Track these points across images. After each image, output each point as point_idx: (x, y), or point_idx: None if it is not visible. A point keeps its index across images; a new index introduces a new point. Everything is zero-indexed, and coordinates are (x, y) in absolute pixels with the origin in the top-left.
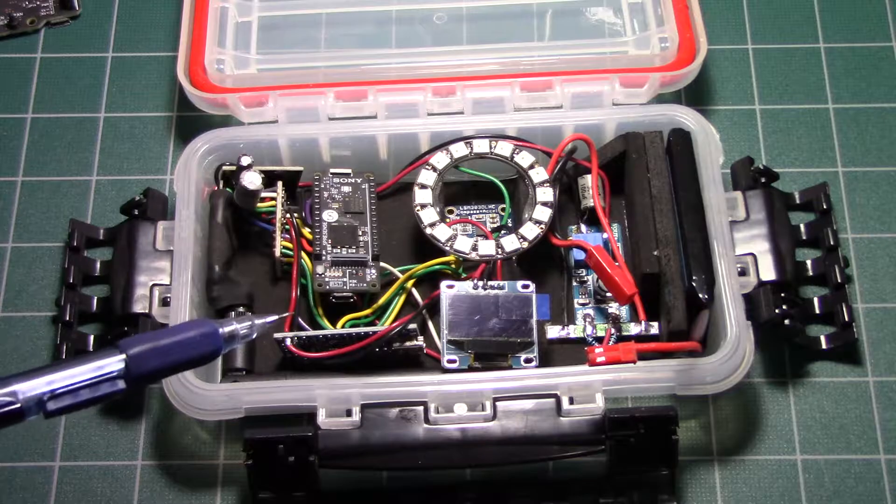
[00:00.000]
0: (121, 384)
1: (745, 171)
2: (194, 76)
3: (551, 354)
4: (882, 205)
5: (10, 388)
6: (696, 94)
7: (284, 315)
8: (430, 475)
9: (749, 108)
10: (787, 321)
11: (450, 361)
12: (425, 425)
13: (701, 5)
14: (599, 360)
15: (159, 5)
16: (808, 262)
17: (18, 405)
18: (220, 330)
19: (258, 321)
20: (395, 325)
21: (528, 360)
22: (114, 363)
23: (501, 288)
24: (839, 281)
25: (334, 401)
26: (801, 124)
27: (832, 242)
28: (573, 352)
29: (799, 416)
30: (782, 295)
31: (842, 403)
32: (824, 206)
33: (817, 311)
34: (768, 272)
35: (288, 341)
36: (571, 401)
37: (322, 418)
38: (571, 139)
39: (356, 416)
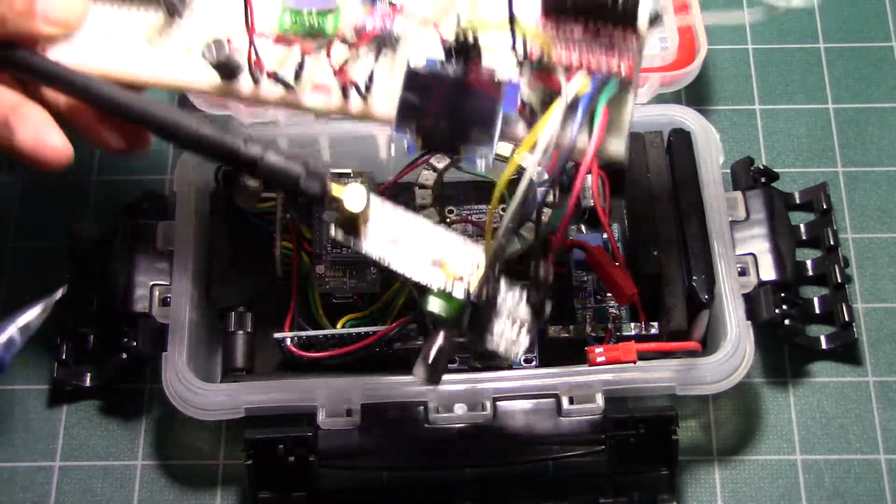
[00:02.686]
0: None
1: (745, 171)
2: None
3: (551, 354)
4: (882, 205)
5: None
6: (696, 94)
7: (58, 293)
8: (429, 475)
9: (749, 108)
10: (787, 321)
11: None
12: (425, 425)
13: (701, 5)
14: (599, 359)
15: None
16: (808, 262)
17: None
18: None
19: (30, 313)
20: (394, 325)
21: (527, 361)
22: None
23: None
24: (839, 281)
25: (334, 401)
26: (801, 124)
27: (832, 242)
28: (573, 352)
29: (799, 416)
30: (782, 295)
31: (842, 403)
32: (824, 206)
33: (817, 311)
34: (768, 272)
35: (288, 341)
36: (571, 401)
37: (322, 418)
38: None
39: (356, 416)
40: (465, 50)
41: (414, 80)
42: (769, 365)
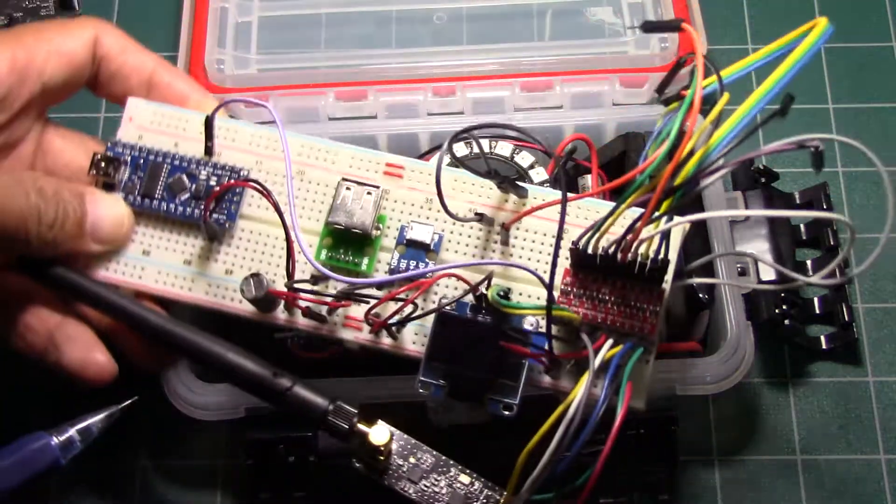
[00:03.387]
0: None
1: (746, 171)
2: (194, 76)
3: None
4: (882, 205)
5: None
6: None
7: (125, 404)
8: None
9: None
10: (786, 321)
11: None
12: (426, 426)
13: (701, 5)
14: None
15: (159, 5)
16: (808, 262)
17: None
18: (54, 440)
19: (93, 420)
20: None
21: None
22: None
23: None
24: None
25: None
26: (801, 124)
27: (832, 242)
28: None
29: (799, 416)
30: (782, 295)
31: (842, 403)
32: (824, 207)
33: (817, 311)
34: (768, 272)
35: (288, 341)
36: None
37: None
38: (571, 139)
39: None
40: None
41: (445, 325)
42: (769, 365)
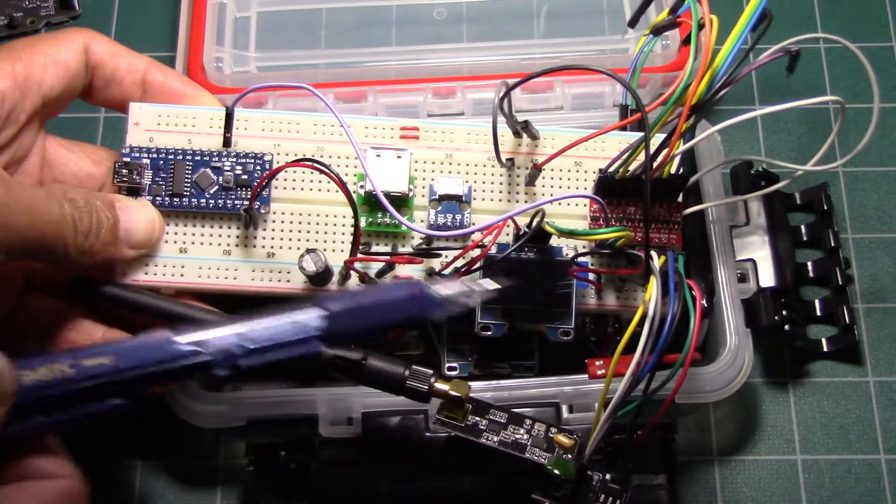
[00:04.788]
0: (317, 345)
1: (746, 175)
2: (193, 75)
3: (551, 359)
4: (882, 205)
5: (199, 336)
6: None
7: (502, 286)
8: (429, 483)
9: (749, 108)
10: (787, 326)
11: (450, 368)
12: (425, 434)
13: None
14: (599, 372)
15: (158, 5)
16: (809, 264)
17: (208, 357)
18: (432, 292)
19: (477, 287)
20: (394, 333)
21: (528, 369)
22: (312, 320)
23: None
24: (840, 283)
25: (335, 410)
26: (801, 124)
27: (833, 244)
28: (573, 355)
29: (799, 416)
30: (782, 300)
31: (842, 403)
32: (825, 207)
33: (818, 313)
34: (768, 278)
35: None
36: (571, 409)
37: (323, 426)
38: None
39: (357, 426)
40: (537, 236)
41: (493, 267)
42: (769, 365)
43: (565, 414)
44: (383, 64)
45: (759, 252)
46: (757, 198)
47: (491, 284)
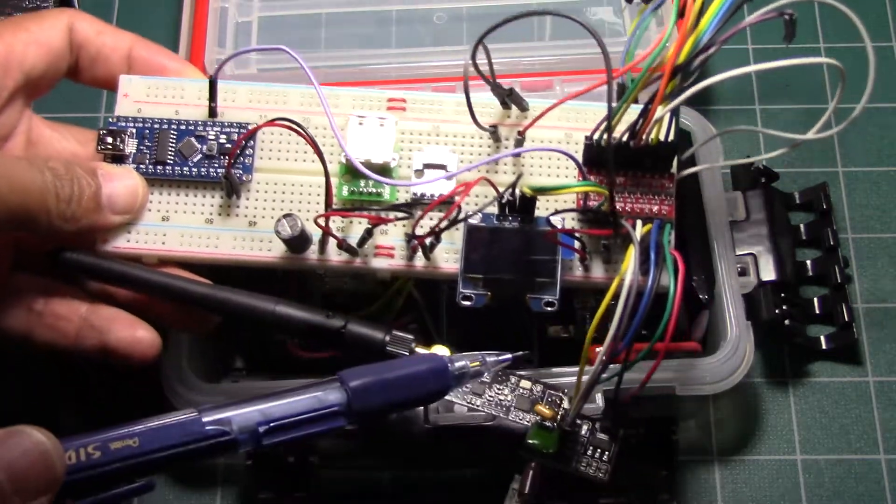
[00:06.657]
0: (341, 420)
1: (745, 172)
2: None
3: (551, 354)
4: (882, 205)
5: (223, 414)
6: (696, 94)
7: (519, 354)
8: (430, 475)
9: (749, 108)
10: (787, 321)
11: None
12: (425, 426)
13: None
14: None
15: (159, 5)
16: (808, 263)
17: (232, 436)
18: (450, 366)
19: (490, 359)
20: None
21: (528, 360)
22: (334, 397)
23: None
24: (839, 281)
25: None
26: (801, 124)
27: (832, 242)
28: (573, 352)
29: (799, 416)
30: (782, 295)
31: (842, 403)
32: (824, 206)
33: (817, 312)
34: (768, 272)
35: (287, 342)
36: (571, 400)
37: None
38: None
39: None
40: (522, 206)
41: (475, 236)
42: (769, 365)
43: (566, 405)
44: (383, 66)
45: (758, 247)
46: (757, 194)
47: (503, 356)
